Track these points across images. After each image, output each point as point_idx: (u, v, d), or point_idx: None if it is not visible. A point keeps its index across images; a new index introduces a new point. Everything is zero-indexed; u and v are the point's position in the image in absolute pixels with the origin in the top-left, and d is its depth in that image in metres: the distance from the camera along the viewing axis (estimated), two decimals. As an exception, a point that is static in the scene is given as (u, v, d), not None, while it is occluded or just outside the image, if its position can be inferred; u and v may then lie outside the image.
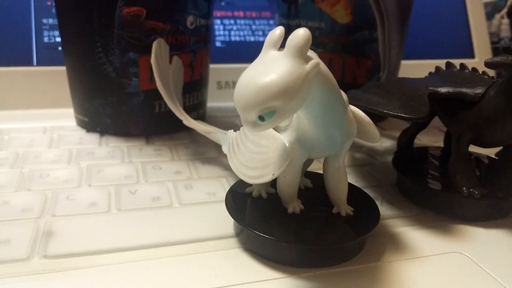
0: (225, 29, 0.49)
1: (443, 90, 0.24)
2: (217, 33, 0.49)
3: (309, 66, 0.16)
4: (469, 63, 0.28)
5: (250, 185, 0.23)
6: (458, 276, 0.20)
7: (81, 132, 0.35)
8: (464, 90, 0.24)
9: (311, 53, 0.17)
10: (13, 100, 0.40)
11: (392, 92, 0.25)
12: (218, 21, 0.49)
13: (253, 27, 0.50)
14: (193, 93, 0.36)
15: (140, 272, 0.19)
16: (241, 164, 0.21)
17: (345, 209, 0.22)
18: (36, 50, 0.42)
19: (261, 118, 0.16)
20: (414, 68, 0.52)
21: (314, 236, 0.20)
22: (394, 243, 0.22)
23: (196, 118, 0.35)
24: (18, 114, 0.38)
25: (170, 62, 0.33)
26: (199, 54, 0.35)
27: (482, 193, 0.24)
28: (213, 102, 0.46)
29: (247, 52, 0.49)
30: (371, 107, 0.24)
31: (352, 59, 0.37)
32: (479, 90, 0.23)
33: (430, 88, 0.24)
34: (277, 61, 0.16)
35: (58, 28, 0.37)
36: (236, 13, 0.49)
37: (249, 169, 0.20)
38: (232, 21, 0.49)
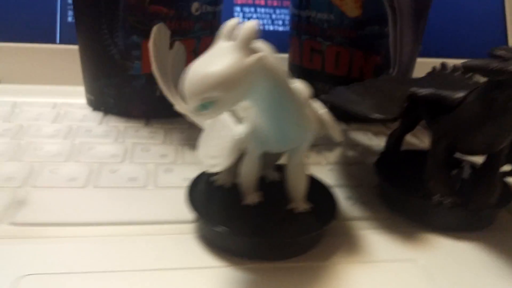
0: (244, 17, 0.49)
1: (423, 92, 0.23)
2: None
3: (251, 59, 0.16)
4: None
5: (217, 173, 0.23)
6: (401, 285, 0.19)
7: (87, 110, 0.36)
8: (445, 93, 0.23)
9: (264, 46, 0.17)
10: (32, 76, 0.42)
11: (371, 91, 0.24)
12: (238, 9, 0.49)
13: (273, 16, 0.49)
14: (197, 79, 0.37)
15: (91, 246, 0.20)
16: (205, 152, 0.21)
17: (302, 206, 0.21)
18: (60, 28, 0.44)
19: (205, 106, 0.16)
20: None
21: (261, 229, 0.20)
22: (351, 245, 0.22)
23: None
24: (34, 89, 0.40)
25: (171, 47, 0.33)
26: (204, 40, 0.36)
27: (454, 203, 0.23)
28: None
29: (266, 41, 0.48)
30: (345, 105, 0.23)
31: (360, 54, 0.36)
32: (459, 95, 0.22)
33: (411, 90, 0.23)
34: (223, 52, 0.16)
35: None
36: (257, 1, 0.49)
37: (210, 157, 0.21)
38: (252, 9, 0.49)
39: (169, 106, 0.35)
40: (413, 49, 0.38)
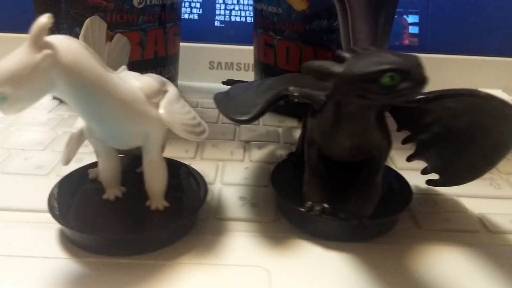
0: (226, 8, 0.49)
1: (294, 90, 0.21)
2: (217, 12, 0.48)
3: (39, 56, 0.16)
4: None
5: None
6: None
7: (46, 100, 0.38)
8: (314, 93, 0.21)
9: (64, 42, 0.17)
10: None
11: (261, 88, 0.23)
12: (220, 0, 0.49)
13: (253, 8, 0.48)
14: (147, 71, 0.37)
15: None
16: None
17: (156, 203, 0.21)
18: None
19: (2, 100, 0.16)
20: (485, 65, 0.47)
21: (107, 225, 0.20)
22: (209, 245, 0.21)
23: None
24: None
25: (110, 40, 0.34)
26: (152, 33, 0.36)
27: (323, 211, 0.21)
28: (204, 82, 0.47)
29: (246, 33, 0.48)
30: (217, 103, 0.22)
31: (309, 49, 0.35)
32: (322, 96, 0.20)
33: (283, 87, 0.22)
34: (17, 50, 0.16)
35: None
36: (241, -7, 0.49)
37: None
38: (235, 0, 0.49)
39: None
40: (373, 45, 0.36)
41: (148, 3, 0.35)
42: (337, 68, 0.17)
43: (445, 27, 0.48)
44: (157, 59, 0.37)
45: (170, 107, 0.20)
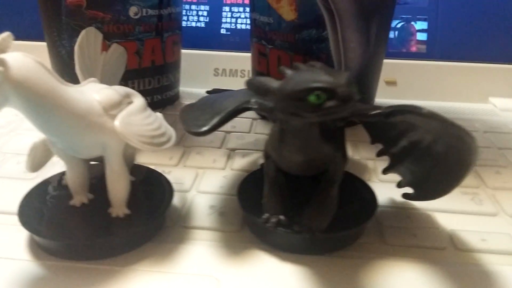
0: (232, 16, 0.49)
1: (254, 103, 0.21)
2: (223, 20, 0.49)
3: None
4: None
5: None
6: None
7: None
8: (264, 79, 0.20)
9: (18, 59, 0.18)
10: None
11: (219, 100, 0.24)
12: (227, 8, 0.49)
13: (258, 15, 0.49)
14: (144, 78, 0.38)
15: None
16: None
17: (117, 211, 0.22)
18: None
19: None
20: (496, 73, 0.45)
21: (68, 231, 0.21)
22: (164, 253, 0.22)
23: (150, 103, 0.38)
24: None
25: (106, 49, 0.35)
26: (149, 42, 0.37)
27: (279, 223, 0.22)
28: (208, 88, 0.48)
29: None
30: (181, 114, 0.23)
31: (299, 58, 0.35)
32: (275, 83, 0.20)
33: (245, 99, 0.22)
34: None
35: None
36: (246, 1, 0.49)
37: None
38: (241, 9, 0.49)
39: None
40: (363, 55, 0.35)
41: (144, 14, 0.36)
42: (274, 85, 0.18)
43: (454, 33, 0.47)
44: (155, 68, 0.39)
45: (127, 119, 0.21)
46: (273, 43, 0.36)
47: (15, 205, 0.24)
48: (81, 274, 0.21)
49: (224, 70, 0.48)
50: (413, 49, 0.48)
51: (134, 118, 0.21)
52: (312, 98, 0.16)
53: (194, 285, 0.20)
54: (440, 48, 0.47)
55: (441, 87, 0.47)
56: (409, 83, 0.47)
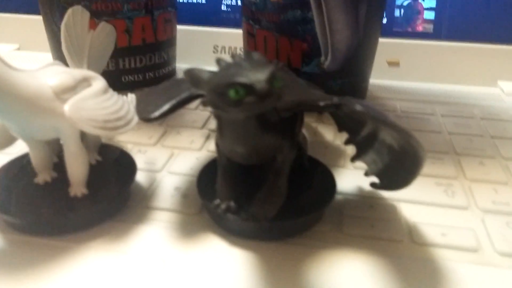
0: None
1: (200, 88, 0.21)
2: (225, -4, 0.49)
3: None
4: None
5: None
6: (121, 277, 0.20)
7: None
8: (199, 70, 0.19)
9: None
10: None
11: (175, 86, 0.24)
12: (228, -13, 0.49)
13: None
14: (135, 56, 0.39)
15: None
16: None
17: (75, 191, 0.23)
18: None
19: None
20: (507, 54, 0.44)
21: (30, 207, 0.23)
22: (120, 232, 0.23)
23: (142, 81, 0.39)
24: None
25: (95, 28, 0.36)
26: (138, 20, 0.38)
27: (228, 209, 0.22)
28: (207, 65, 0.48)
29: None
30: (137, 102, 0.24)
31: (285, 39, 0.34)
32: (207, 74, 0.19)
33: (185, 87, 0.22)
34: None
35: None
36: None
37: None
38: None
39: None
40: (351, 36, 0.34)
41: (132, -8, 0.36)
42: (205, 77, 0.18)
43: (464, 12, 0.45)
44: (146, 46, 0.39)
45: (79, 104, 0.21)
46: (259, 23, 0.35)
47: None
48: (37, 249, 0.22)
49: (223, 47, 0.48)
50: (419, 28, 0.46)
51: (87, 102, 0.22)
52: (231, 93, 0.16)
53: (140, 266, 0.21)
54: (448, 28, 0.45)
55: (448, 69, 0.45)
56: (413, 64, 0.45)
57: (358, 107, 0.18)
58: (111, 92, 0.24)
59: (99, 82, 0.23)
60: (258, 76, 0.16)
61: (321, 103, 0.20)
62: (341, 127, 0.25)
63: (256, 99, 0.16)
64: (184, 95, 0.22)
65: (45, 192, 0.24)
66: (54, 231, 0.23)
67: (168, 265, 0.21)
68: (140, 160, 0.28)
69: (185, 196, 0.26)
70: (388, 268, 0.21)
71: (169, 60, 0.42)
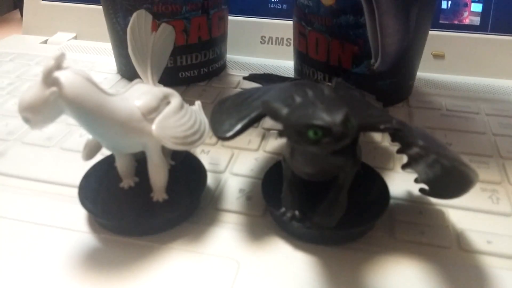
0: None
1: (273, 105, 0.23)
2: (273, -12, 0.50)
3: (48, 92, 0.21)
4: None
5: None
6: (210, 276, 0.23)
7: (111, 75, 0.44)
8: (277, 106, 0.21)
9: (69, 77, 0.21)
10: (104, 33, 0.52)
11: (249, 100, 0.26)
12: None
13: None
14: (191, 54, 0.41)
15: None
16: None
17: (157, 196, 0.26)
18: None
19: None
20: None
21: (117, 210, 0.26)
22: (195, 234, 0.26)
23: (197, 76, 0.42)
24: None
25: (156, 28, 0.38)
26: (195, 20, 0.40)
27: (293, 217, 0.24)
28: (254, 56, 0.50)
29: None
30: (213, 114, 0.26)
31: (336, 42, 0.36)
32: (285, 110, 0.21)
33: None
34: (34, 84, 0.21)
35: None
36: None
37: None
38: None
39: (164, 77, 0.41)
40: (401, 40, 0.36)
41: (190, -6, 0.38)
42: (283, 112, 0.20)
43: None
44: (201, 43, 0.41)
45: (163, 123, 0.24)
46: (312, 25, 0.37)
47: (78, 178, 0.29)
48: (125, 248, 0.25)
49: (270, 38, 0.50)
50: (466, 21, 0.46)
51: (169, 121, 0.24)
52: (310, 133, 0.18)
53: (216, 266, 0.24)
54: (495, 21, 0.45)
55: (493, 63, 0.46)
56: (458, 57, 0.46)
57: (420, 142, 0.20)
58: (185, 106, 0.26)
59: (176, 100, 0.26)
60: (334, 118, 0.18)
61: (382, 127, 0.22)
62: (393, 139, 0.27)
63: (333, 140, 0.18)
64: (253, 114, 0.24)
65: (129, 196, 0.27)
66: (139, 232, 0.26)
67: (242, 267, 0.24)
68: (204, 161, 0.31)
69: (249, 198, 0.29)
70: (438, 275, 0.24)
71: (221, 55, 0.44)
